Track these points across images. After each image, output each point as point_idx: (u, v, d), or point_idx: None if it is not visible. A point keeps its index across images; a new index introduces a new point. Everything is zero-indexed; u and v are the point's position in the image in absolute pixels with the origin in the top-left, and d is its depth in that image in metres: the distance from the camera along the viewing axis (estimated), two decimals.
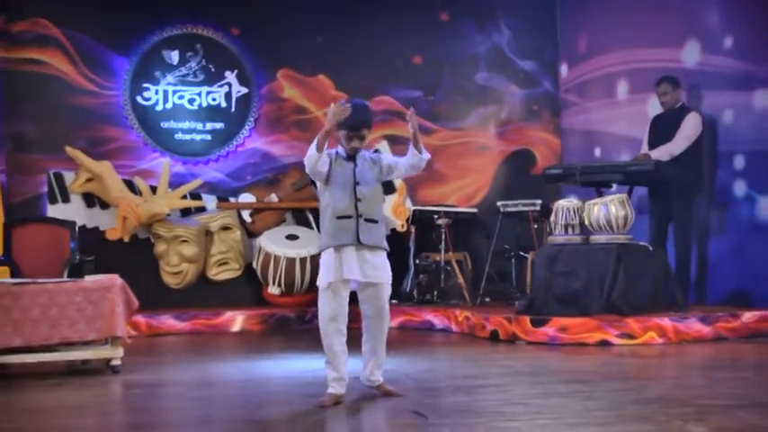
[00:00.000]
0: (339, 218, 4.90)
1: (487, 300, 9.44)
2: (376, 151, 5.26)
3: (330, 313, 4.88)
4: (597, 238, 7.65)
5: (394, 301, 9.67)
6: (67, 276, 6.55)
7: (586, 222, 7.68)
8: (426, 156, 5.06)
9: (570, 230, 7.76)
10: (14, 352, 5.84)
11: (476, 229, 10.07)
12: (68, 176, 9.53)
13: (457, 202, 10.44)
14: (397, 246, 10.18)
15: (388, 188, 10.33)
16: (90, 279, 6.05)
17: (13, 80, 9.57)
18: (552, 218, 7.88)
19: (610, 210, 7.56)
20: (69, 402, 5.08)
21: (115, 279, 6.00)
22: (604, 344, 7.15)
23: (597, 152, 10.12)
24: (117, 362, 5.99)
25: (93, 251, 9.36)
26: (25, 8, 9.62)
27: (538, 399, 4.77)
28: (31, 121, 9.62)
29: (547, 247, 7.90)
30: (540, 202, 9.14)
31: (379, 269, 4.94)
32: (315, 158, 4.80)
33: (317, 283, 4.95)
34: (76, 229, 6.93)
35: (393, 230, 10.28)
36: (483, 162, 10.66)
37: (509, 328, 7.64)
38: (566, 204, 7.81)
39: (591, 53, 10.28)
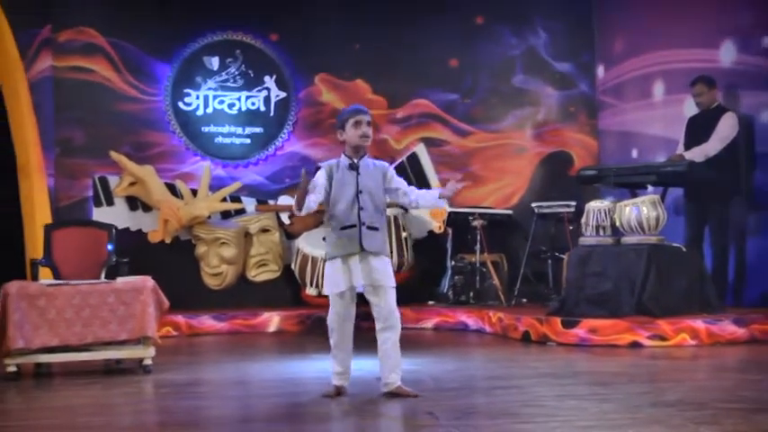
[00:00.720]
0: (343, 228, 5.07)
1: (524, 301, 9.52)
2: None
3: (339, 314, 5.15)
4: (628, 240, 7.68)
5: (431, 303, 9.81)
6: (105, 278, 6.74)
7: (617, 224, 7.71)
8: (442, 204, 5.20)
9: (601, 232, 7.79)
10: (49, 351, 6.07)
11: (512, 230, 10.12)
12: (113, 180, 9.78)
13: (494, 203, 10.51)
14: (434, 247, 10.34)
15: None
16: (122, 280, 6.25)
17: (61, 88, 9.85)
18: (583, 219, 7.92)
19: (641, 211, 7.58)
20: (97, 401, 5.25)
21: (146, 281, 6.19)
22: (635, 345, 7.18)
23: (634, 153, 10.11)
24: (148, 361, 6.17)
25: (136, 253, 9.60)
26: (71, 18, 9.89)
27: (555, 401, 4.84)
28: (78, 126, 9.89)
29: (578, 248, 7.94)
30: (574, 203, 9.18)
31: (384, 273, 5.11)
32: (299, 211, 5.01)
33: (326, 291, 5.16)
34: (114, 231, 7.11)
35: (430, 232, 10.41)
36: (520, 164, 10.71)
37: (540, 330, 7.70)
38: (597, 206, 7.85)
39: (627, 54, 10.27)
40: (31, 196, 9.38)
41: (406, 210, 10.28)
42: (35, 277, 6.52)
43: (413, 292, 10.31)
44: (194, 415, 4.80)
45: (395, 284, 5.20)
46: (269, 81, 10.29)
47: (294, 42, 10.38)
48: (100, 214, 9.66)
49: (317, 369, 6.26)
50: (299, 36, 10.38)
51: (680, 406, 4.62)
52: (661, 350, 6.98)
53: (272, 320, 9.32)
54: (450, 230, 10.18)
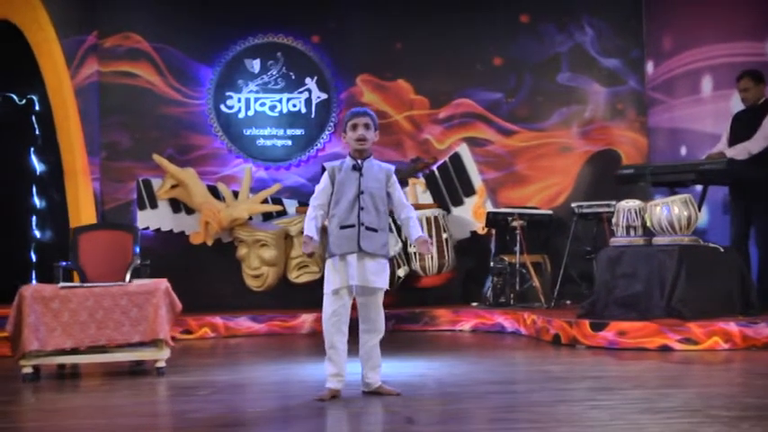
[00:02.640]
0: (342, 228, 5.13)
1: (568, 302, 9.34)
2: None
3: (333, 313, 5.15)
4: (660, 240, 7.47)
5: (474, 304, 9.70)
6: (130, 280, 6.83)
7: (648, 224, 7.50)
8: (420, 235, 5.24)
9: (632, 232, 7.60)
10: (68, 353, 6.19)
11: (554, 230, 9.93)
12: (156, 183, 9.93)
13: (538, 203, 10.34)
14: (477, 248, 10.23)
15: (469, 190, 10.34)
16: (137, 283, 6.32)
17: (107, 93, 10.04)
18: (614, 219, 7.73)
19: (672, 210, 7.36)
20: (97, 403, 5.34)
21: (159, 283, 6.25)
22: (665, 349, 6.98)
23: (683, 151, 9.83)
24: (161, 363, 6.23)
25: (178, 255, 9.82)
26: (115, 23, 10.07)
27: (545, 406, 4.72)
28: (123, 130, 10.07)
29: (608, 249, 7.76)
30: (614, 203, 8.94)
31: (376, 275, 5.15)
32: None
33: (324, 288, 5.12)
34: (139, 233, 7.22)
35: (473, 233, 10.31)
36: (566, 163, 10.51)
37: (570, 333, 7.55)
38: (627, 206, 7.65)
39: (676, 49, 9.99)
40: (77, 200, 9.60)
41: (448, 211, 10.22)
42: (59, 280, 6.65)
43: (454, 293, 10.26)
44: (179, 417, 4.84)
45: (387, 287, 5.21)
46: (310, 83, 10.31)
47: (335, 43, 10.38)
48: (144, 217, 9.84)
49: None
50: (340, 37, 10.38)
51: (671, 412, 4.49)
52: (690, 354, 6.78)
53: (308, 322, 9.32)
54: (493, 231, 10.05)
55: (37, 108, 10.00)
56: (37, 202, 10.12)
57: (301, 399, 5.18)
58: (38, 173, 10.10)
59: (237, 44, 10.25)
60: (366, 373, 5.27)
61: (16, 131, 9.96)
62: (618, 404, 4.74)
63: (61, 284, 6.20)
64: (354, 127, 5.23)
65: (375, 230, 5.14)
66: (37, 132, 10.03)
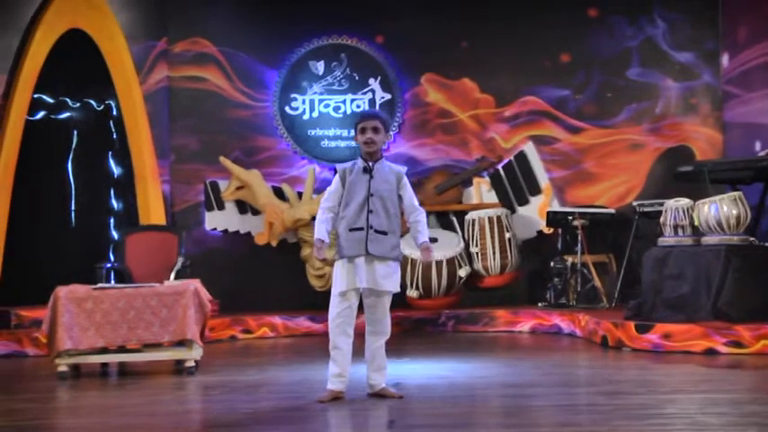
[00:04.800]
0: (351, 230, 5.14)
1: (631, 303, 9.07)
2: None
3: (338, 315, 5.17)
4: (708, 240, 7.19)
5: (540, 305, 9.54)
6: (174, 280, 7.01)
7: (696, 223, 7.24)
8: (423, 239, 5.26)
9: (680, 231, 7.35)
10: (101, 352, 6.40)
11: (620, 229, 9.67)
12: (223, 185, 10.12)
13: (607, 202, 10.10)
14: (543, 248, 10.06)
15: (535, 189, 10.19)
16: (167, 284, 6.47)
17: (176, 97, 10.30)
18: (662, 218, 7.49)
19: (721, 209, 7.09)
20: (112, 402, 5.52)
21: (189, 284, 6.38)
22: (711, 352, 6.75)
23: (757, 146, 9.43)
24: (191, 363, 6.37)
25: (244, 256, 10.01)
26: (184, 29, 10.32)
27: (540, 411, 4.63)
28: (192, 134, 10.31)
29: (655, 249, 7.52)
30: (688, 200, 8.64)
31: (385, 278, 5.13)
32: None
33: (332, 290, 5.14)
34: (183, 235, 7.39)
35: (539, 232, 10.15)
36: (636, 160, 10.22)
37: (616, 334, 7.36)
38: (675, 204, 7.40)
39: (752, 40, 9.60)
40: (147, 202, 9.89)
41: (513, 210, 10.10)
42: (101, 280, 6.88)
43: (520, 293, 10.12)
44: (176, 417, 4.94)
45: (396, 290, 5.22)
46: (373, 83, 10.34)
47: (400, 43, 10.37)
48: (211, 218, 10.06)
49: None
50: (404, 37, 10.35)
51: (658, 417, 4.33)
52: (740, 358, 6.52)
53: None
54: (560, 231, 9.87)
55: (114, 113, 10.35)
56: (115, 204, 10.45)
57: (300, 400, 5.21)
58: (115, 176, 10.44)
59: (302, 47, 10.36)
60: (370, 374, 5.27)
61: (96, 136, 10.32)
62: (619, 410, 4.60)
63: (98, 285, 6.41)
64: (363, 130, 5.26)
65: (385, 233, 5.13)
66: (114, 137, 10.37)
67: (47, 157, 9.96)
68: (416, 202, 5.34)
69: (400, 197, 5.28)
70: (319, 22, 10.35)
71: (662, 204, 8.74)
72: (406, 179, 5.32)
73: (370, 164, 5.22)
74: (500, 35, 10.30)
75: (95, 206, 10.34)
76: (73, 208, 10.33)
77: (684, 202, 7.38)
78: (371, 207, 5.14)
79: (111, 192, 10.43)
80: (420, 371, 6.31)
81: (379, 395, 5.22)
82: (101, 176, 10.33)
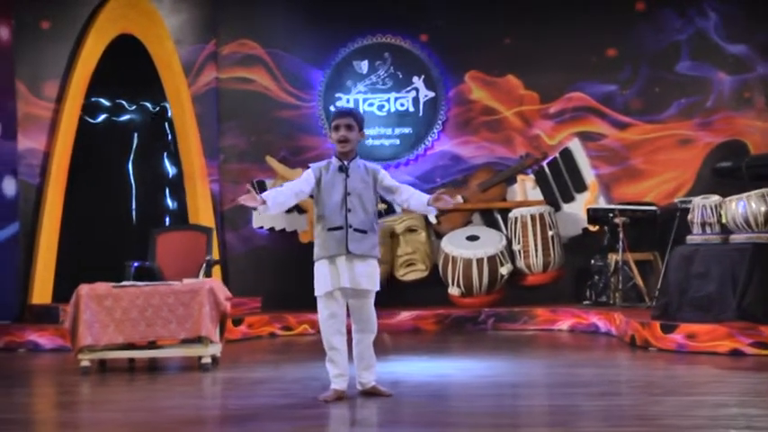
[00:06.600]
0: (330, 230, 5.12)
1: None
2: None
3: (329, 315, 5.18)
4: (736, 238, 7.00)
5: (586, 303, 9.42)
6: (203, 277, 7.17)
7: (724, 220, 7.06)
8: (434, 212, 5.20)
9: (708, 229, 7.17)
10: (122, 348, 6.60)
11: (665, 227, 9.45)
12: (270, 184, 10.27)
13: (655, 199, 9.89)
14: (588, 245, 9.92)
15: (580, 186, 10.07)
16: (185, 282, 6.62)
17: (225, 98, 10.51)
18: (689, 216, 7.32)
19: (749, 206, 6.89)
20: (115, 397, 5.70)
21: (205, 283, 6.53)
22: (736, 353, 6.59)
23: None
24: (207, 360, 6.50)
25: (289, 253, 10.13)
26: (232, 31, 10.51)
27: (531, 409, 4.63)
28: (240, 134, 10.51)
29: (681, 247, 7.36)
30: (717, 197, 8.43)
31: (366, 277, 5.12)
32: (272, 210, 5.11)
33: (315, 292, 5.17)
34: (212, 234, 7.54)
35: (585, 230, 10.02)
36: (686, 156, 9.99)
37: (642, 334, 7.24)
38: (703, 201, 7.23)
39: None
40: (196, 202, 10.12)
41: (558, 207, 10.00)
42: (129, 278, 7.08)
43: (564, 291, 10.00)
44: (159, 413, 5.07)
45: (378, 288, 5.21)
46: (417, 81, 10.35)
47: (443, 41, 10.36)
48: (259, 216, 10.23)
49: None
50: (448, 35, 10.34)
51: (644, 420, 4.26)
52: (763, 359, 6.34)
53: (410, 320, 9.38)
54: (606, 228, 9.71)
55: (168, 115, 10.61)
56: (170, 203, 10.72)
57: (297, 398, 5.28)
58: (170, 176, 10.70)
59: (346, 46, 10.45)
60: (360, 372, 5.29)
61: (153, 137, 10.59)
62: (610, 409, 4.54)
63: (119, 283, 6.61)
64: (337, 128, 5.22)
65: (364, 232, 5.14)
66: (169, 138, 10.63)
67: (108, 158, 10.27)
68: (398, 183, 5.31)
69: (386, 188, 5.22)
70: (363, 22, 10.42)
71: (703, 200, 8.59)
72: (383, 173, 5.27)
73: (346, 162, 5.19)
74: (544, 30, 10.18)
75: (152, 205, 10.62)
76: (134, 207, 10.63)
77: (713, 199, 7.19)
78: (350, 206, 5.12)
79: (167, 191, 10.70)
80: (425, 369, 6.33)
81: (371, 393, 5.25)
82: (157, 176, 10.60)
